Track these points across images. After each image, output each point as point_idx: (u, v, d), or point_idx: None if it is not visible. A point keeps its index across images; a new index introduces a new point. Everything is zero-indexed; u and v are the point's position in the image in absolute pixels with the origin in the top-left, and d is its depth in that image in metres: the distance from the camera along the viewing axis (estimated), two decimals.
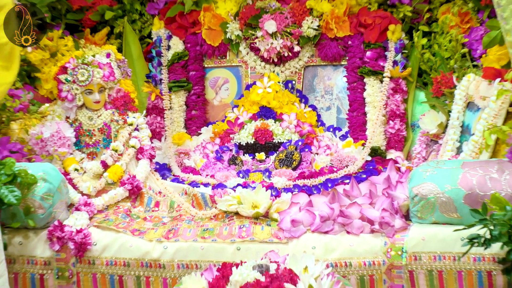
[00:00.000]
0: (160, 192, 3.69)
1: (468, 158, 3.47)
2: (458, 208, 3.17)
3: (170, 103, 4.11)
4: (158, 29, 4.15)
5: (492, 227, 2.89)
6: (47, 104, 3.78)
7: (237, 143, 3.94)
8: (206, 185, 3.71)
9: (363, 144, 3.91)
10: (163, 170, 3.88)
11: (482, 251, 3.05)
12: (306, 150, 3.86)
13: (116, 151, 3.73)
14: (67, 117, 3.76)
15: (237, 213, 3.48)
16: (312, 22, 3.99)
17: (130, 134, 3.82)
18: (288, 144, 3.89)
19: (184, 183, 3.73)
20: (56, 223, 3.35)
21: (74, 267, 3.32)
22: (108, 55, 3.77)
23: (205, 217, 3.54)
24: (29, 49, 3.81)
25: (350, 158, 3.84)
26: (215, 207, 3.57)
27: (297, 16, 3.99)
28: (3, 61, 2.66)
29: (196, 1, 4.10)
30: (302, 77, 4.09)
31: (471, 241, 2.96)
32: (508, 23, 3.13)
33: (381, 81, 3.95)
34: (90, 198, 3.61)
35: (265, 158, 3.88)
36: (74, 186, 3.62)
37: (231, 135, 3.97)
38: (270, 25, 3.98)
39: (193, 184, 3.73)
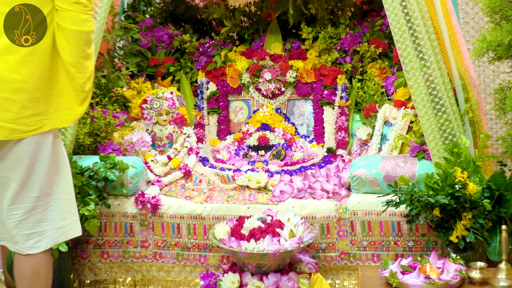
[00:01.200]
0: (202, 174, 3.71)
1: (385, 155, 3.48)
2: (380, 184, 3.18)
3: (208, 121, 4.06)
4: (201, 78, 4.13)
5: (400, 195, 2.92)
6: (135, 122, 3.83)
7: (248, 145, 3.92)
8: (229, 170, 3.71)
9: (322, 146, 3.88)
10: (204, 161, 3.89)
11: (394, 209, 3.05)
12: (289, 149, 3.81)
13: (176, 149, 3.78)
14: (147, 129, 3.76)
15: (248, 186, 3.55)
16: (292, 73, 3.97)
17: (184, 140, 3.88)
18: (278, 145, 3.86)
19: (216, 169, 3.73)
20: (139, 192, 3.40)
21: (150, 219, 3.34)
22: (171, 93, 3.82)
23: (229, 189, 3.57)
24: (124, 88, 3.80)
25: (315, 154, 3.82)
26: (235, 183, 3.53)
27: (283, 70, 3.96)
28: (79, 102, 2.58)
29: (224, 61, 4.07)
30: (286, 106, 4.07)
31: (387, 204, 2.97)
32: (409, 73, 3.11)
33: (333, 108, 3.90)
34: (160, 178, 3.56)
35: (264, 154, 3.86)
36: (151, 170, 3.67)
37: (244, 140, 3.96)
38: (267, 75, 3.95)
39: (222, 169, 3.74)
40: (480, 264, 2.64)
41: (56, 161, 2.56)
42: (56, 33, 2.47)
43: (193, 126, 4.05)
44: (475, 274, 2.61)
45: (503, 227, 2.63)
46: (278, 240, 2.91)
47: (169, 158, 3.73)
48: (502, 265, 2.60)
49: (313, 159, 3.82)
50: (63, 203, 2.58)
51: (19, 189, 2.48)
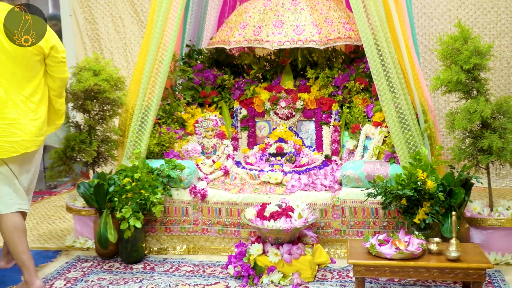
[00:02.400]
0: (236, 173, 3.71)
1: (367, 160, 3.42)
2: (363, 181, 3.14)
3: (241, 136, 4.05)
4: (236, 105, 4.11)
5: (377, 189, 2.84)
6: (190, 136, 3.80)
7: (269, 153, 3.88)
8: (256, 170, 3.72)
9: (321, 153, 3.82)
10: (238, 164, 3.88)
11: (373, 199, 2.99)
12: (298, 155, 3.79)
13: (218, 155, 3.78)
14: (198, 141, 3.74)
15: (268, 182, 3.52)
16: (300, 102, 3.96)
17: (224, 149, 3.86)
18: (290, 153, 3.81)
19: (246, 169, 3.72)
20: (193, 186, 3.40)
21: (200, 204, 3.33)
22: (215, 116, 3.86)
23: (255, 183, 3.54)
24: (182, 112, 3.81)
25: (316, 159, 3.79)
26: (260, 179, 3.54)
27: (294, 100, 3.95)
28: (57, 118, 2.88)
29: (252, 93, 4.10)
30: (296, 125, 4.04)
31: (368, 195, 2.91)
32: (383, 102, 3.08)
33: (329, 127, 3.86)
34: (207, 175, 3.56)
35: (280, 159, 3.83)
36: (200, 170, 3.67)
37: (266, 149, 3.93)
38: (282, 103, 3.95)
39: (250, 169, 3.71)
40: (436, 239, 2.60)
41: None
42: (47, 78, 2.71)
43: (230, 139, 4.03)
44: (433, 247, 2.57)
45: (453, 213, 2.59)
46: (290, 220, 2.88)
47: (213, 162, 3.71)
48: (453, 241, 2.55)
49: (315, 162, 3.78)
50: None
51: (35, 173, 2.79)
